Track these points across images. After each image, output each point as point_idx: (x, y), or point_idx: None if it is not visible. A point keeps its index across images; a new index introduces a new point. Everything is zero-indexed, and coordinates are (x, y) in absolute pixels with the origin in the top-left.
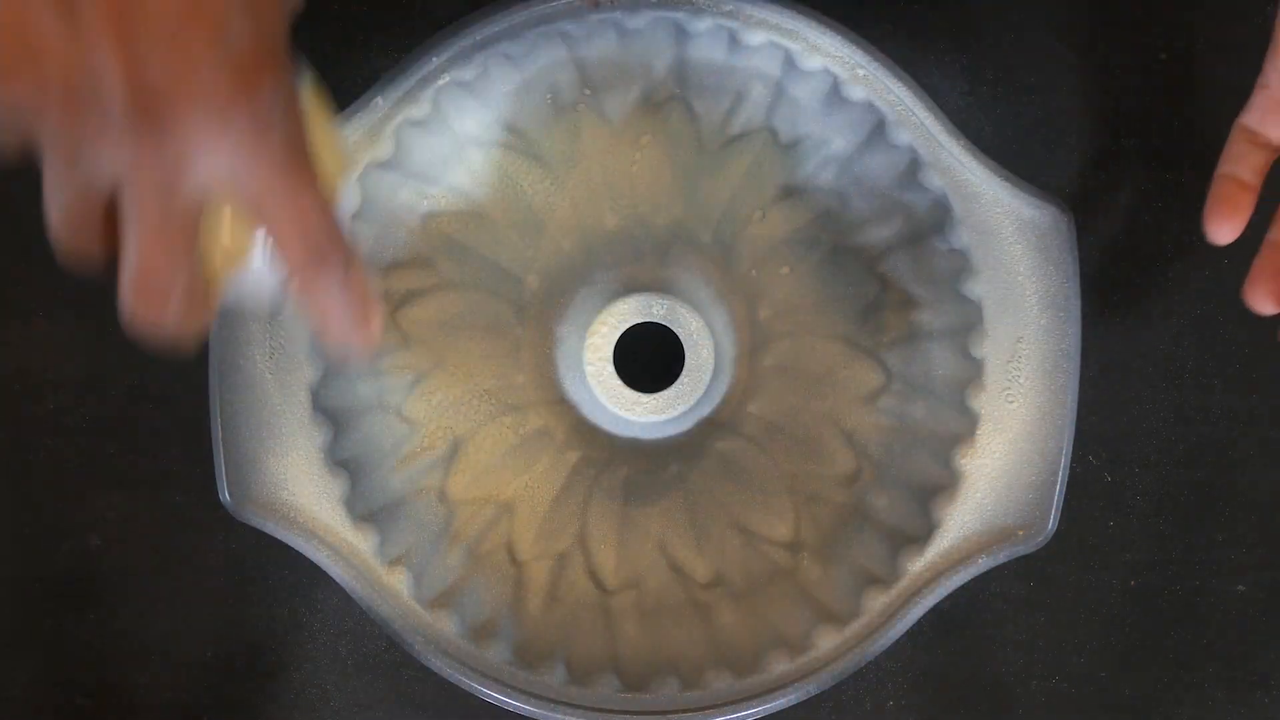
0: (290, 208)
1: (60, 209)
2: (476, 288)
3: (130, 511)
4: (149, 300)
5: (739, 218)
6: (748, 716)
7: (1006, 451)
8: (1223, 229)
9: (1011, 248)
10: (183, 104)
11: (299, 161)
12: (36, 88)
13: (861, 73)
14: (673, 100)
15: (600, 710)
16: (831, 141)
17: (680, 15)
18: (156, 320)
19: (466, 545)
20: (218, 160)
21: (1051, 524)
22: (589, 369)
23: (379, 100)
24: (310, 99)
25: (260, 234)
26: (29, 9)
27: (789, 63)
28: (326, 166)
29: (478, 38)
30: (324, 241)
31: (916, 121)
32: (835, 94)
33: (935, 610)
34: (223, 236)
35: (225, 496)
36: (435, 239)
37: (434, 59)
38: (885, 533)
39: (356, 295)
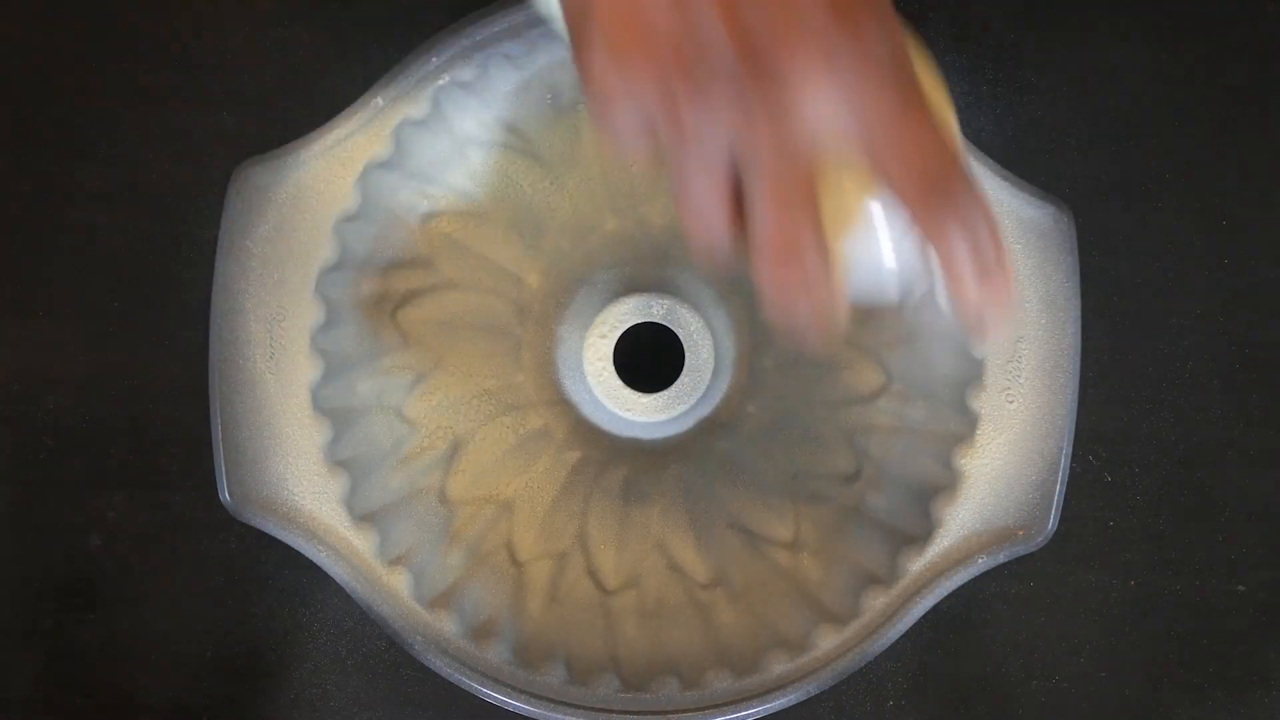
0: (906, 140)
1: (693, 202)
2: (476, 288)
3: (130, 511)
4: (786, 265)
5: None
6: (748, 716)
7: (1006, 451)
8: None
9: (1011, 248)
10: (788, 49)
11: (911, 95)
12: (653, 63)
13: None
14: None
15: (600, 710)
16: None
17: None
18: (796, 286)
19: (466, 545)
20: (829, 101)
21: (1051, 524)
22: (589, 369)
23: (379, 100)
24: (915, 47)
25: (874, 200)
26: None
27: None
28: (939, 111)
29: (478, 38)
30: (946, 175)
31: None
32: None
33: (935, 610)
34: (838, 206)
35: (225, 496)
36: (435, 239)
37: (434, 59)
38: (885, 533)
39: (985, 234)
